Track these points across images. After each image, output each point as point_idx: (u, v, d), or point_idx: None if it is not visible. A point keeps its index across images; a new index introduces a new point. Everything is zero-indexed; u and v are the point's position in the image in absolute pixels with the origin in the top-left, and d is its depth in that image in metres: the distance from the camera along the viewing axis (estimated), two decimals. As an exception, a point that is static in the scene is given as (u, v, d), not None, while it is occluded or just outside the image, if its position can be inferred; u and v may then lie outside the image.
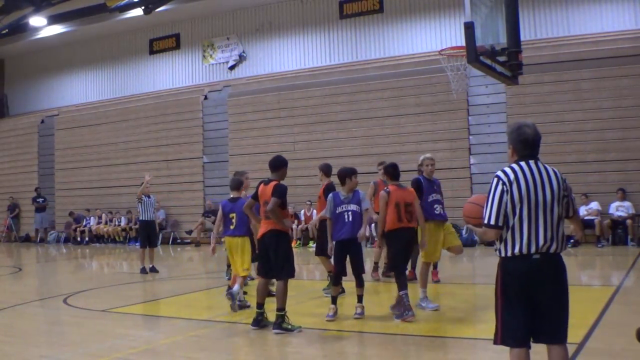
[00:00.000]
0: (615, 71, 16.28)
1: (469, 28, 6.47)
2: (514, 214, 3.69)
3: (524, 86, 14.99)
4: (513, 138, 3.84)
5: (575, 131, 16.46)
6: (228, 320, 7.60)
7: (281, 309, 6.67)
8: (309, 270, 13.48)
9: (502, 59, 7.23)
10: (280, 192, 6.73)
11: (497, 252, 3.81)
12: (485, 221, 3.76)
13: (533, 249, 3.67)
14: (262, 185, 6.98)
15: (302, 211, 19.12)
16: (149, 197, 13.11)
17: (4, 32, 22.81)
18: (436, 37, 19.14)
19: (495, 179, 3.76)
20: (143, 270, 12.62)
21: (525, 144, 3.80)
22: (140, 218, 13.12)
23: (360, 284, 7.32)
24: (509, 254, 3.72)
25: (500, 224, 3.70)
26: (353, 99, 19.52)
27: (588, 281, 10.85)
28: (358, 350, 6.35)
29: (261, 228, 6.96)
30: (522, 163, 3.77)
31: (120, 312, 8.37)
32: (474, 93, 17.94)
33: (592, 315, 6.78)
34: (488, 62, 7.00)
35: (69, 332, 7.41)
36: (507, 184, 3.70)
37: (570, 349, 5.40)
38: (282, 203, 6.77)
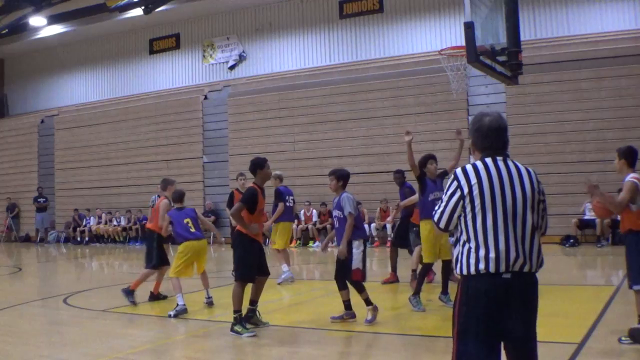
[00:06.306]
0: (615, 71, 16.27)
1: (469, 28, 6.46)
2: (475, 222, 3.04)
3: (524, 86, 14.97)
4: (470, 130, 3.27)
5: (575, 131, 16.44)
6: (228, 320, 7.59)
7: (235, 311, 6.66)
8: (309, 270, 13.48)
9: (502, 59, 7.22)
10: (245, 197, 6.73)
11: (458, 270, 3.12)
12: (435, 220, 3.23)
13: (502, 267, 2.99)
14: None
15: (302, 211, 19.09)
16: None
17: (4, 32, 22.80)
18: (436, 37, 19.14)
19: (452, 177, 3.14)
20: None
21: (481, 134, 3.19)
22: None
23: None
24: (472, 271, 3.03)
25: (451, 229, 3.17)
26: (353, 99, 19.51)
27: (588, 281, 10.84)
28: (358, 350, 6.35)
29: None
30: (488, 160, 3.14)
31: (120, 312, 8.37)
32: (474, 93, 17.93)
33: (592, 315, 6.79)
34: (488, 62, 6.99)
35: (69, 332, 7.40)
36: (466, 186, 3.08)
37: (570, 349, 5.42)
38: (249, 207, 6.68)
